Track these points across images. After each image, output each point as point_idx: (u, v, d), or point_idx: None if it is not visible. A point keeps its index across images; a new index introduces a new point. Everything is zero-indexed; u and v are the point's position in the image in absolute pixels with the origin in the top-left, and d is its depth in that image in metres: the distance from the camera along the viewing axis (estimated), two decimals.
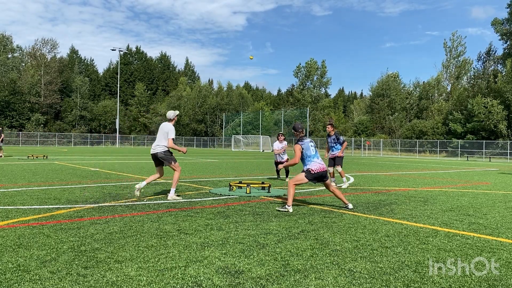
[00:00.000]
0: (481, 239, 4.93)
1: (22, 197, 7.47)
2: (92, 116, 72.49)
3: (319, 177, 6.90)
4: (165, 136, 7.65)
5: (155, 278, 3.30)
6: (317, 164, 6.88)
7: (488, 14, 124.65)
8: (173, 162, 7.69)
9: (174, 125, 7.83)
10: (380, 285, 3.27)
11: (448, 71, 67.25)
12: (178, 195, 7.89)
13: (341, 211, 6.72)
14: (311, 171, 6.83)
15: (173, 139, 7.65)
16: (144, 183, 7.63)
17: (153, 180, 7.95)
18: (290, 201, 6.64)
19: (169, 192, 7.76)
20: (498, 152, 43.02)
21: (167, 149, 7.68)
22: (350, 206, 6.96)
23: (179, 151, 7.78)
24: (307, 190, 9.57)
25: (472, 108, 47.85)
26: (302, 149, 6.94)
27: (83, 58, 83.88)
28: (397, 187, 10.94)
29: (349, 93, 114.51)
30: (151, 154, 7.75)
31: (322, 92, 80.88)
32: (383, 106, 69.89)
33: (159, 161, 7.72)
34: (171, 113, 7.89)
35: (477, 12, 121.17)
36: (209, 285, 3.18)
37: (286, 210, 6.55)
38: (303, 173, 6.90)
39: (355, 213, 6.52)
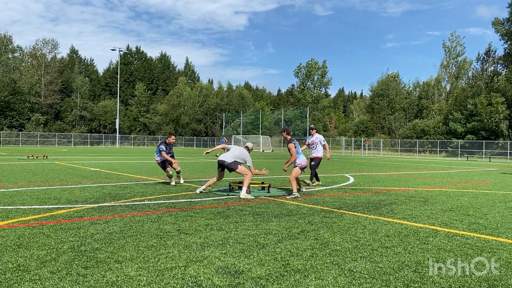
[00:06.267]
0: (481, 239, 4.93)
1: (22, 197, 7.47)
2: (92, 116, 72.48)
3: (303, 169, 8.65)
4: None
5: (155, 278, 3.30)
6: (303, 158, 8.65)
7: (492, 14, 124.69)
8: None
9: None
10: (380, 285, 3.27)
11: (447, 71, 67.25)
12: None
13: (341, 211, 6.72)
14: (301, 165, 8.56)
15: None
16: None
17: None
18: (295, 189, 8.32)
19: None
20: (498, 152, 43.01)
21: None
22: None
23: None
24: (307, 190, 9.57)
25: (473, 107, 47.81)
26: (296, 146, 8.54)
27: (83, 58, 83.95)
28: (397, 187, 10.94)
29: (349, 93, 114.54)
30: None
31: (322, 92, 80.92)
32: (383, 106, 69.89)
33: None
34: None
35: (481, 11, 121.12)
36: (209, 285, 3.18)
37: (295, 196, 8.16)
38: (298, 167, 8.52)
39: (355, 213, 6.52)
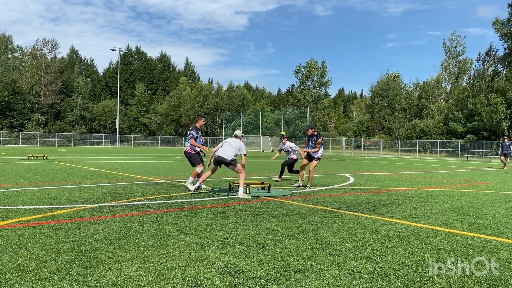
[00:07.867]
0: (481, 239, 4.93)
1: (22, 197, 7.47)
2: (92, 116, 72.45)
3: None
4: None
5: (155, 278, 3.30)
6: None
7: (493, 14, 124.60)
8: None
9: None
10: (380, 285, 3.27)
11: (447, 71, 67.24)
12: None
13: (341, 211, 6.72)
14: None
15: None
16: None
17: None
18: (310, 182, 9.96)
19: None
20: (498, 152, 42.96)
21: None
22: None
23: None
24: (308, 190, 9.57)
25: (474, 107, 47.77)
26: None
27: (83, 58, 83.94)
28: (397, 187, 10.94)
29: (349, 93, 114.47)
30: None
31: (322, 92, 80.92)
32: (383, 106, 69.90)
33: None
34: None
35: (482, 11, 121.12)
36: (209, 285, 3.18)
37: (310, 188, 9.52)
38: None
39: (355, 213, 6.52)
